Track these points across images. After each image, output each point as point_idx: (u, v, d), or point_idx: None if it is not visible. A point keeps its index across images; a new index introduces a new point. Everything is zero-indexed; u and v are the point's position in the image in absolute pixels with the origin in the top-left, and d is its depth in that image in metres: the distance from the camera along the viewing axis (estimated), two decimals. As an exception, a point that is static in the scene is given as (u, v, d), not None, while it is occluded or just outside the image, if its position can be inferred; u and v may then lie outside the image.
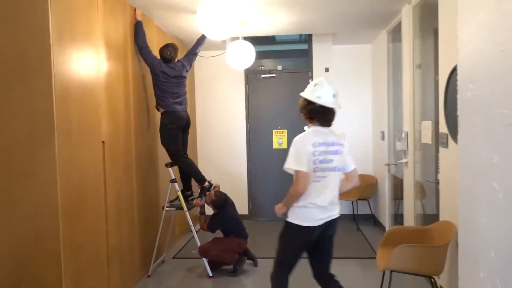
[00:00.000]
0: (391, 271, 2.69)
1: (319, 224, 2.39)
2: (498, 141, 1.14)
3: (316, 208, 2.37)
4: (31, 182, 2.41)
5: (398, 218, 4.88)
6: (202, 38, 4.15)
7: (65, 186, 2.49)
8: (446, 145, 2.91)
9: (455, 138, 2.74)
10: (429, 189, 3.84)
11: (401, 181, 4.73)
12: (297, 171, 2.31)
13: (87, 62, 2.82)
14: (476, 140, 1.27)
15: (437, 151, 3.32)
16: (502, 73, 1.10)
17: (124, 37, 3.46)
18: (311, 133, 2.41)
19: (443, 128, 2.96)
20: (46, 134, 2.41)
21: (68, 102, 2.57)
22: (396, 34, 4.63)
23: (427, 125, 3.43)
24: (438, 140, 3.05)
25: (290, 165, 2.33)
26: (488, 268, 1.24)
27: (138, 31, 3.61)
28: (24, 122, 2.41)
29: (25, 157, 2.41)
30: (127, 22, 3.52)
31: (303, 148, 2.32)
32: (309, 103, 2.40)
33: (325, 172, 2.36)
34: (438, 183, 3.13)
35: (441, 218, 3.05)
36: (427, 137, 3.43)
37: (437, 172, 3.22)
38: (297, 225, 2.40)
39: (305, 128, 2.59)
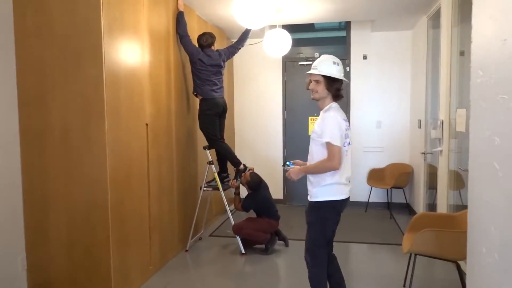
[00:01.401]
0: (415, 255, 2.76)
1: (348, 196, 2.56)
2: (499, 124, 1.22)
3: (344, 184, 2.51)
4: (85, 158, 2.73)
5: (432, 207, 4.84)
6: (245, 33, 4.31)
7: (113, 162, 2.78)
8: (478, 133, 2.90)
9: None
10: (467, 178, 3.79)
11: (437, 170, 4.69)
12: (335, 147, 2.36)
13: (133, 51, 3.09)
14: (483, 123, 1.35)
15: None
16: (504, 62, 1.17)
17: (167, 27, 3.70)
18: (339, 109, 2.53)
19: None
20: (98, 116, 2.70)
21: (117, 87, 2.85)
22: (436, 20, 4.53)
23: (462, 113, 3.40)
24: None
25: (333, 140, 2.36)
26: (489, 243, 1.33)
27: (179, 21, 3.84)
28: (79, 104, 2.71)
29: (80, 135, 2.73)
30: (170, 12, 3.76)
31: (340, 124, 2.42)
32: (334, 81, 2.47)
33: (347, 147, 2.51)
34: (467, 171, 3.12)
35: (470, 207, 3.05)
36: (461, 125, 3.40)
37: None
38: (331, 200, 2.46)
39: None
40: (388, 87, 5.70)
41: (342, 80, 2.51)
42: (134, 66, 3.10)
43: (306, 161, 2.60)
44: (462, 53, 3.79)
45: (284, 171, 2.51)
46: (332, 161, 2.38)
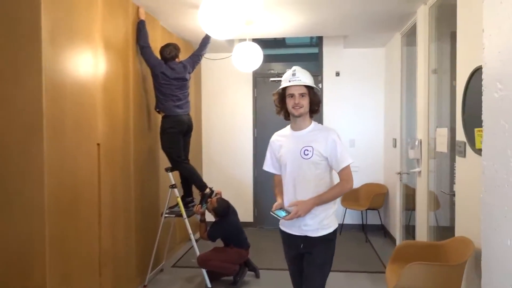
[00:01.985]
0: (402, 290, 2.47)
1: None
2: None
3: None
4: (19, 182, 2.29)
5: (409, 229, 4.65)
6: (206, 39, 3.98)
7: (53, 187, 2.36)
8: (463, 154, 2.69)
9: (473, 147, 2.53)
10: (443, 200, 3.62)
11: (414, 191, 4.51)
12: (348, 166, 2.19)
13: (84, 61, 2.70)
14: (504, 145, 1.08)
15: (452, 160, 3.10)
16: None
17: (125, 36, 3.34)
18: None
19: (460, 135, 2.75)
20: (36, 133, 2.28)
21: (61, 101, 2.45)
22: (410, 37, 4.42)
23: (443, 132, 3.22)
24: (455, 148, 2.83)
25: (349, 160, 2.18)
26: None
27: (140, 30, 3.49)
28: (14, 121, 2.29)
29: (15, 157, 2.29)
30: (129, 21, 3.40)
31: None
32: (315, 94, 2.26)
33: None
34: (453, 195, 2.91)
35: (457, 233, 2.82)
36: (442, 145, 3.21)
37: (452, 183, 3.00)
38: (336, 229, 2.25)
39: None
40: (361, 104, 5.54)
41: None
42: (85, 78, 2.71)
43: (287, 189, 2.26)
44: (434, 71, 3.65)
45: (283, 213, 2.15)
46: (351, 182, 2.20)
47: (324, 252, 2.20)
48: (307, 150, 2.18)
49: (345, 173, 2.19)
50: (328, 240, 2.20)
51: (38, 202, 2.28)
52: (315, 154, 2.17)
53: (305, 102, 2.19)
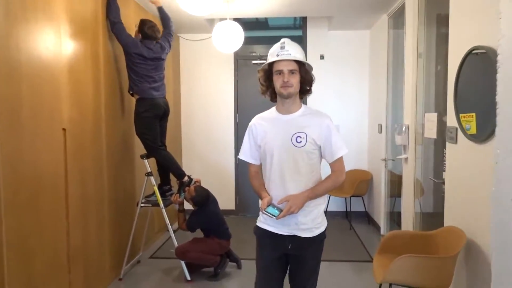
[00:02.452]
0: (390, 284, 2.36)
1: None
2: None
3: None
4: (-31, 176, 2.03)
5: (394, 216, 4.58)
6: (163, 15, 3.69)
7: (9, 181, 2.11)
8: (454, 140, 2.57)
9: (465, 133, 2.40)
10: (426, 187, 3.53)
11: (398, 177, 4.42)
12: (342, 157, 1.97)
13: (44, 40, 2.42)
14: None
15: (438, 146, 2.99)
16: None
17: (94, 11, 3.05)
18: None
19: (451, 121, 2.62)
20: (-13, 118, 2.02)
21: (17, 83, 2.18)
22: (397, 19, 4.26)
23: (432, 117, 3.09)
24: (446, 134, 2.71)
25: (344, 149, 1.96)
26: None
27: (110, 5, 3.20)
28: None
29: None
30: (98, -6, 3.11)
31: None
32: (307, 72, 1.95)
33: None
34: (443, 182, 2.80)
35: (446, 222, 2.72)
36: (431, 131, 3.09)
37: (440, 170, 2.89)
38: (326, 228, 2.04)
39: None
40: (345, 89, 5.38)
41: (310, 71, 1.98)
42: (45, 58, 2.43)
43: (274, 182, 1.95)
44: (420, 55, 3.51)
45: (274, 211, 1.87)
46: (344, 174, 1.98)
47: (316, 254, 2.01)
48: (300, 137, 1.89)
49: (339, 164, 1.96)
50: (320, 240, 2.00)
51: (-8, 196, 2.04)
52: (308, 142, 1.89)
53: (295, 80, 1.89)
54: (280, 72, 1.88)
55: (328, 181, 1.95)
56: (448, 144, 2.70)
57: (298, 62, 1.90)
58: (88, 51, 2.94)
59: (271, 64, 1.92)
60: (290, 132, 1.91)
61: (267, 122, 2.00)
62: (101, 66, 3.14)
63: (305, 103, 5.08)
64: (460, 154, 2.52)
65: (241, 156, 2.08)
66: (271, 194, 1.93)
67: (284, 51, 1.89)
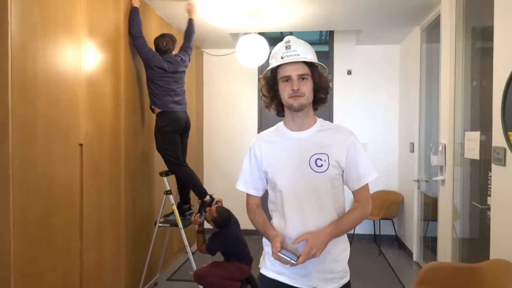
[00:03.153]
0: (431, 324, 2.09)
1: None
2: None
3: None
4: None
5: (427, 241, 4.26)
6: (189, 27, 3.62)
7: (21, 198, 2.00)
8: (503, 162, 2.31)
9: (516, 154, 2.14)
10: (467, 211, 3.23)
11: (431, 199, 4.13)
12: (368, 184, 1.59)
13: (63, 52, 2.34)
14: None
15: (484, 168, 2.72)
16: None
17: (116, 25, 2.98)
18: None
19: (498, 141, 2.36)
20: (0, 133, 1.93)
21: (32, 96, 2.09)
22: (431, 32, 4.04)
23: (474, 136, 2.82)
24: (492, 155, 2.44)
25: (374, 174, 1.58)
26: None
27: (133, 18, 3.13)
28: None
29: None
30: (120, 8, 3.05)
31: None
32: (322, 77, 1.58)
33: None
34: (488, 208, 2.52)
35: (492, 253, 2.43)
36: (473, 151, 2.82)
37: (486, 194, 2.61)
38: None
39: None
40: (373, 105, 5.15)
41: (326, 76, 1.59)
42: (63, 70, 2.35)
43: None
44: (458, 70, 3.27)
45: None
46: (370, 204, 1.59)
47: None
48: (320, 159, 1.50)
49: (366, 193, 1.58)
50: None
51: (1, 218, 1.92)
52: (331, 165, 1.51)
53: (307, 87, 1.50)
54: (288, 79, 1.50)
55: (354, 213, 1.54)
56: (494, 166, 2.44)
57: (309, 64, 1.51)
58: (109, 65, 2.87)
59: (275, 70, 1.55)
60: (307, 153, 1.53)
61: (274, 142, 1.61)
62: (122, 80, 3.06)
63: (331, 120, 4.95)
64: (510, 177, 2.25)
65: (240, 186, 1.68)
66: (287, 234, 1.52)
67: (291, 51, 1.49)
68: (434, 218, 3.80)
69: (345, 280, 1.58)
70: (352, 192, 1.59)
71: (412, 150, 4.42)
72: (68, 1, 2.38)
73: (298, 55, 1.49)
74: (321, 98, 1.59)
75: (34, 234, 2.10)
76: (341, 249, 1.57)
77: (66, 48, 2.37)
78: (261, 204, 1.72)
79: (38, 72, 2.13)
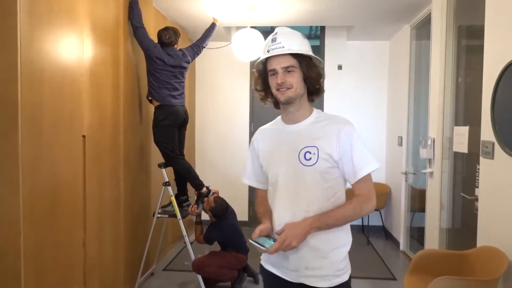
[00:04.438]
0: (425, 307, 2.22)
1: None
2: None
3: None
4: (-12, 184, 1.94)
5: (413, 231, 4.44)
6: (210, 30, 3.70)
7: (30, 191, 2.02)
8: (491, 155, 2.45)
9: (505, 148, 2.28)
10: (454, 202, 3.39)
11: (417, 191, 4.29)
12: (370, 175, 1.49)
13: (67, 43, 2.35)
14: None
15: (472, 162, 2.87)
16: None
17: (116, 16, 2.99)
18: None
19: (486, 135, 2.50)
20: (9, 126, 1.94)
21: (39, 88, 2.10)
22: (421, 30, 4.17)
23: (462, 131, 2.97)
24: (480, 149, 2.58)
25: (373, 164, 1.50)
26: None
27: (133, 9, 3.14)
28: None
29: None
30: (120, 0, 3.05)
31: None
32: (312, 66, 1.53)
33: None
34: (476, 199, 2.67)
35: (479, 241, 2.59)
36: (461, 145, 2.97)
37: (474, 186, 2.76)
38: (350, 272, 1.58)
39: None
40: (363, 100, 5.28)
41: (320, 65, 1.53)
42: (67, 62, 2.36)
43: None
44: (448, 67, 3.41)
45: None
46: (372, 200, 1.49)
47: None
48: (309, 152, 1.45)
49: (365, 186, 1.47)
50: None
51: (12, 210, 1.94)
52: (321, 158, 1.44)
53: (294, 79, 1.46)
54: (274, 72, 1.47)
55: (346, 207, 1.45)
56: (482, 159, 2.58)
57: (296, 55, 1.46)
58: (108, 56, 2.88)
59: (265, 63, 1.52)
60: (297, 146, 1.48)
61: (270, 136, 1.61)
62: (121, 72, 3.07)
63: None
64: (496, 170, 2.40)
65: (245, 180, 1.67)
66: (277, 227, 1.48)
67: (276, 44, 1.44)
68: (420, 209, 3.96)
69: (341, 279, 1.50)
70: (352, 185, 1.51)
71: (400, 144, 4.57)
72: (71, -7, 2.38)
73: (283, 47, 1.44)
74: (315, 89, 1.53)
75: (41, 226, 2.13)
76: (332, 246, 1.49)
77: (70, 39, 2.38)
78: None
79: (44, 63, 2.14)
